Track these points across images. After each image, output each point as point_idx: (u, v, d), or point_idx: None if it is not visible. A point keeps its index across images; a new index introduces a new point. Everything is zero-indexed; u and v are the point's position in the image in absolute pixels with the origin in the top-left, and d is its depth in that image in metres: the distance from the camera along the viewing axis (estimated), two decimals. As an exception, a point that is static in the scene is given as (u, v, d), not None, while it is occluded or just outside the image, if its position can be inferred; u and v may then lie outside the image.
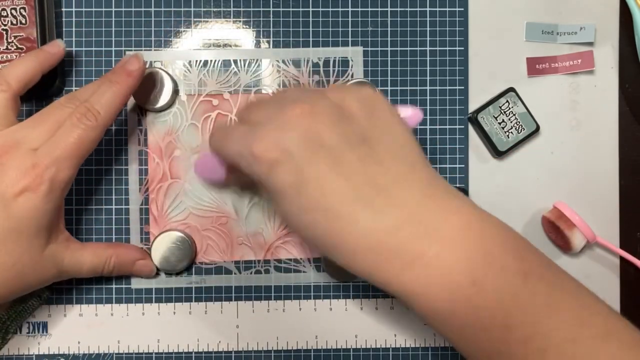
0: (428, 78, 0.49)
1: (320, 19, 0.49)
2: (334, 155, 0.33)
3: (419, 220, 0.33)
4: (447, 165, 0.49)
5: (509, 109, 0.49)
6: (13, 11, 0.46)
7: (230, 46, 0.49)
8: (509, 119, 0.49)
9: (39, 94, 0.48)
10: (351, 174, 0.33)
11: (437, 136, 0.49)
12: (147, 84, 0.47)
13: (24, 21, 0.46)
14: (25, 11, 0.46)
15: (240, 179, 0.46)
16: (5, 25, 0.46)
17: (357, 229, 0.32)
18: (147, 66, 0.48)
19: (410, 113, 0.40)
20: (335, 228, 0.33)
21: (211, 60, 0.49)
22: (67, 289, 0.48)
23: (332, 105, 0.35)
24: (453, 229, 0.33)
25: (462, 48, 0.49)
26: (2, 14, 0.46)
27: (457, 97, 0.49)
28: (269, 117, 0.35)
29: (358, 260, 0.33)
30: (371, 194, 0.33)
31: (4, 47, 0.46)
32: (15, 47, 0.46)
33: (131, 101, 0.48)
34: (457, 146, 0.49)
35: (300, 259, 0.49)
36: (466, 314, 0.32)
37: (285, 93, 0.39)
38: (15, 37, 0.46)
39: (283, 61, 0.49)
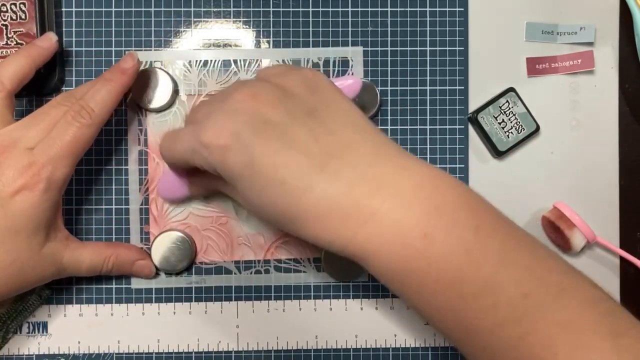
0: (428, 78, 0.49)
1: (320, 19, 0.49)
2: (281, 130, 0.34)
3: (372, 178, 0.33)
4: (447, 165, 0.49)
5: (509, 109, 0.49)
6: (13, 6, 0.46)
7: (230, 46, 0.49)
8: (509, 119, 0.49)
9: (38, 93, 0.48)
10: (302, 145, 0.33)
11: (437, 136, 0.49)
12: (147, 84, 0.47)
13: (23, 16, 0.46)
14: (25, 6, 0.46)
15: (202, 186, 0.45)
16: (5, 20, 0.46)
17: (314, 196, 0.33)
18: (147, 66, 0.48)
19: (350, 82, 0.42)
20: (293, 200, 0.33)
21: (211, 60, 0.49)
22: (67, 289, 0.48)
23: (274, 87, 0.35)
24: (405, 186, 0.33)
25: (462, 48, 0.49)
26: (2, 9, 0.46)
27: (457, 97, 0.49)
28: (214, 109, 0.36)
29: (318, 229, 0.33)
30: (324, 161, 0.33)
31: (4, 43, 0.46)
32: (15, 43, 0.46)
33: (131, 101, 0.48)
34: (457, 146, 0.49)
35: (300, 259, 0.49)
36: (419, 270, 0.32)
37: (227, 88, 0.39)
38: (15, 32, 0.46)
39: (283, 61, 0.49)
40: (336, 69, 0.49)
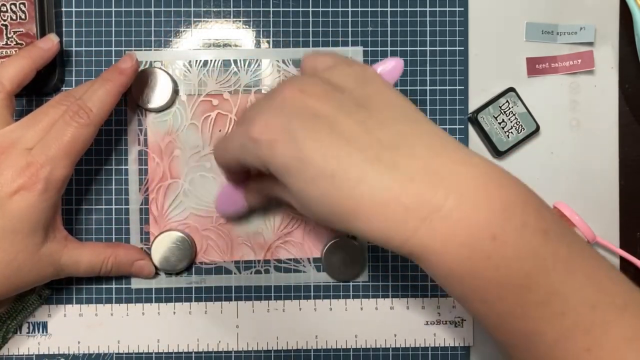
0: (428, 78, 0.49)
1: (320, 19, 0.49)
2: (330, 122, 0.32)
3: (433, 171, 0.30)
4: (447, 165, 0.49)
5: (509, 109, 0.49)
6: (13, 6, 0.46)
7: (230, 46, 0.49)
8: (509, 119, 0.49)
9: (38, 93, 0.48)
10: (353, 137, 0.31)
11: (437, 136, 0.49)
12: (147, 84, 0.47)
13: (23, 16, 0.46)
14: (25, 6, 0.46)
15: (258, 191, 0.43)
16: (4, 20, 0.46)
17: (368, 188, 0.30)
18: (147, 66, 0.48)
19: (393, 64, 0.39)
20: (344, 193, 0.31)
21: (211, 60, 0.49)
22: (67, 289, 0.48)
23: (322, 82, 0.34)
24: (469, 182, 0.31)
25: (462, 48, 0.49)
26: (2, 9, 0.46)
27: (457, 97, 0.49)
28: (263, 106, 0.35)
29: (374, 223, 0.31)
30: (378, 152, 0.31)
31: (4, 43, 0.46)
32: (14, 43, 0.46)
33: (131, 101, 0.48)
34: (457, 146, 0.49)
35: (300, 259, 0.49)
36: (483, 273, 0.30)
37: (275, 86, 0.39)
38: (14, 32, 0.46)
39: (283, 61, 0.49)
40: (336, 69, 0.49)
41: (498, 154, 0.49)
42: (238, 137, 0.36)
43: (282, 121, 0.33)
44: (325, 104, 0.33)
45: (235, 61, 0.49)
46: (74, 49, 0.48)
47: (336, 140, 0.31)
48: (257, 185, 0.43)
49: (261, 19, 0.49)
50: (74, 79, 0.48)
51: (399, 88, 0.49)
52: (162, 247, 0.47)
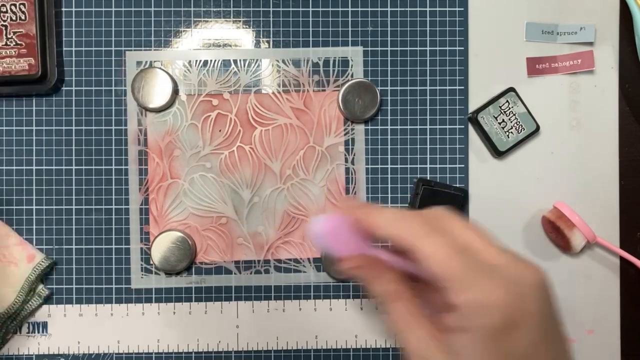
0: (428, 78, 0.49)
1: (320, 19, 0.49)
2: None
3: None
4: (447, 165, 0.49)
5: (509, 109, 0.49)
6: (13, 7, 0.46)
7: (230, 46, 0.49)
8: (509, 119, 0.49)
9: (38, 93, 0.48)
10: None
11: (437, 136, 0.49)
12: (147, 84, 0.47)
13: (23, 17, 0.46)
14: (25, 7, 0.46)
15: (388, 285, 0.34)
16: (4, 21, 0.46)
17: None
18: (147, 66, 0.48)
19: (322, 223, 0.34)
20: None
21: (211, 60, 0.49)
22: (67, 289, 0.48)
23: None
24: None
25: (462, 48, 0.49)
26: (2, 9, 0.46)
27: (457, 97, 0.49)
28: (493, 258, 0.30)
29: None
30: None
31: (3, 43, 0.46)
32: (14, 43, 0.46)
33: (131, 101, 0.48)
34: (457, 146, 0.49)
35: (300, 259, 0.49)
36: None
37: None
38: (14, 33, 0.46)
39: (283, 61, 0.49)
40: (336, 69, 0.49)
41: (498, 154, 0.49)
42: (442, 267, 0.30)
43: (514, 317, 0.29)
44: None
45: (235, 61, 0.49)
46: (74, 49, 0.48)
47: None
48: (401, 264, 0.34)
49: (261, 19, 0.49)
50: (74, 79, 0.48)
51: (399, 88, 0.49)
52: (162, 247, 0.47)
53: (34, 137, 0.48)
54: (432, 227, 0.31)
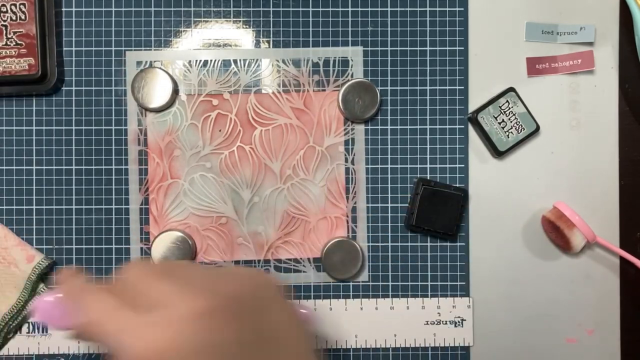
0: (428, 78, 0.49)
1: (320, 19, 0.49)
2: None
3: None
4: (447, 165, 0.49)
5: (509, 109, 0.49)
6: (13, 7, 0.46)
7: (230, 46, 0.49)
8: (509, 119, 0.49)
9: (38, 93, 0.48)
10: None
11: (437, 136, 0.49)
12: (147, 84, 0.47)
13: (23, 17, 0.46)
14: (25, 7, 0.46)
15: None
16: (4, 21, 0.46)
17: None
18: (147, 66, 0.48)
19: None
20: None
21: (211, 60, 0.49)
22: (67, 289, 0.48)
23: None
24: None
25: (462, 48, 0.49)
26: (2, 9, 0.46)
27: (457, 97, 0.49)
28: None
29: None
30: None
31: (3, 43, 0.46)
32: (14, 43, 0.46)
33: (131, 101, 0.48)
34: (457, 146, 0.49)
35: (300, 259, 0.49)
36: None
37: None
38: (14, 33, 0.46)
39: (283, 61, 0.49)
40: (336, 69, 0.49)
41: (498, 154, 0.49)
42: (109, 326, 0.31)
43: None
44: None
45: (235, 61, 0.49)
46: (74, 49, 0.48)
47: None
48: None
49: (261, 19, 0.49)
50: (74, 78, 0.48)
51: (399, 88, 0.49)
52: (162, 247, 0.47)
53: (34, 137, 0.48)
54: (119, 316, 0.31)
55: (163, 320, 0.29)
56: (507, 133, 0.49)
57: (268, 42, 0.49)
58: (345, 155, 0.49)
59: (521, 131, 0.49)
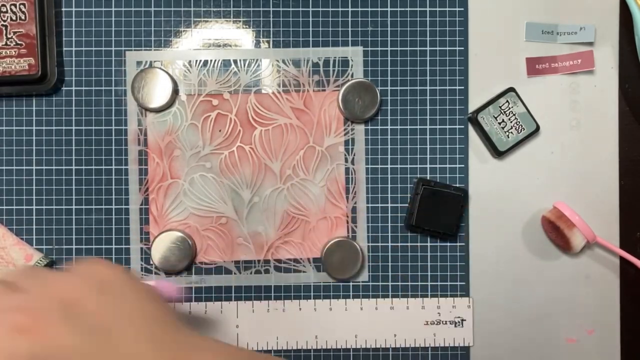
0: (428, 78, 0.49)
1: (320, 19, 0.49)
2: None
3: None
4: (447, 165, 0.49)
5: (509, 109, 0.49)
6: (13, 7, 0.46)
7: (230, 46, 0.49)
8: (509, 119, 0.49)
9: (38, 93, 0.48)
10: None
11: (437, 136, 0.49)
12: (147, 84, 0.47)
13: (23, 17, 0.46)
14: (25, 7, 0.46)
15: None
16: (4, 21, 0.46)
17: None
18: (147, 66, 0.48)
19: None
20: None
21: (211, 60, 0.49)
22: (67, 289, 0.48)
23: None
24: None
25: (462, 48, 0.49)
26: (2, 9, 0.46)
27: (457, 97, 0.49)
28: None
29: None
30: None
31: (3, 43, 0.46)
32: (14, 43, 0.46)
33: (131, 101, 0.48)
34: (457, 146, 0.49)
35: (300, 259, 0.49)
36: None
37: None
38: (14, 33, 0.46)
39: (283, 61, 0.49)
40: (336, 69, 0.49)
41: (498, 154, 0.49)
42: None
43: None
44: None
45: (235, 61, 0.49)
46: (74, 49, 0.48)
47: None
48: None
49: (261, 19, 0.49)
50: (74, 79, 0.48)
51: (399, 88, 0.49)
52: (162, 247, 0.47)
53: (34, 137, 0.48)
54: None
55: None
56: (507, 133, 0.49)
57: (268, 42, 0.49)
58: (345, 155, 0.49)
59: (521, 131, 0.49)
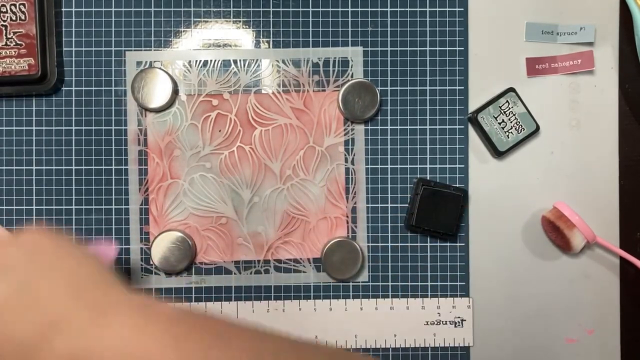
0: (428, 78, 0.49)
1: (320, 19, 0.49)
2: None
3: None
4: (447, 165, 0.49)
5: (509, 109, 0.49)
6: (13, 7, 0.46)
7: (230, 46, 0.49)
8: (509, 119, 0.49)
9: (38, 93, 0.48)
10: None
11: (437, 136, 0.49)
12: (147, 84, 0.47)
13: (23, 17, 0.46)
14: (24, 7, 0.46)
15: None
16: (4, 21, 0.46)
17: None
18: (147, 66, 0.48)
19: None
20: None
21: (211, 60, 0.49)
22: (67, 289, 0.48)
23: None
24: None
25: (462, 48, 0.49)
26: (2, 9, 0.46)
27: (457, 97, 0.49)
28: None
29: None
30: None
31: (3, 43, 0.46)
32: (14, 43, 0.46)
33: (131, 101, 0.48)
34: (457, 146, 0.49)
35: (300, 259, 0.49)
36: None
37: None
38: (14, 33, 0.46)
39: (283, 61, 0.49)
40: (336, 69, 0.49)
41: (498, 154, 0.49)
42: None
43: None
44: None
45: (235, 61, 0.49)
46: (74, 49, 0.48)
47: None
48: None
49: (261, 19, 0.49)
50: (74, 79, 0.48)
51: (399, 88, 0.49)
52: (162, 247, 0.47)
53: (34, 137, 0.48)
54: None
55: None
56: (507, 133, 0.49)
57: (268, 42, 0.49)
58: (345, 155, 0.49)
59: (521, 131, 0.49)
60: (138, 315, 0.31)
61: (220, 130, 0.49)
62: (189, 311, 0.33)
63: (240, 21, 0.49)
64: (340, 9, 0.49)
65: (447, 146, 0.49)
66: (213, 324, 0.32)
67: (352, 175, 0.49)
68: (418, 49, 0.49)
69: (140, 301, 0.33)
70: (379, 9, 0.49)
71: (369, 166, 0.49)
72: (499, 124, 0.49)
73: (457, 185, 0.49)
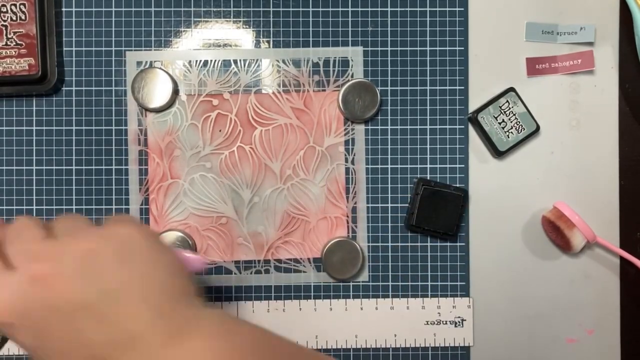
0: (428, 78, 0.49)
1: (320, 19, 0.49)
2: None
3: None
4: (447, 165, 0.49)
5: (509, 109, 0.49)
6: (13, 7, 0.46)
7: (230, 46, 0.49)
8: (509, 119, 0.49)
9: (38, 93, 0.48)
10: None
11: (437, 136, 0.49)
12: (147, 84, 0.47)
13: (23, 17, 0.46)
14: (25, 7, 0.46)
15: None
16: (5, 21, 0.46)
17: None
18: (147, 66, 0.48)
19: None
20: None
21: (211, 60, 0.49)
22: (67, 289, 0.48)
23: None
24: None
25: (462, 48, 0.49)
26: (2, 9, 0.46)
27: (457, 97, 0.49)
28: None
29: None
30: None
31: (3, 43, 0.46)
32: (14, 43, 0.46)
33: (131, 101, 0.48)
34: (457, 146, 0.49)
35: (300, 259, 0.49)
36: None
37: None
38: (14, 33, 0.46)
39: (283, 61, 0.49)
40: (336, 69, 0.49)
41: (498, 154, 0.49)
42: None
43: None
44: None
45: (235, 61, 0.49)
46: (74, 49, 0.48)
47: None
48: None
49: (261, 19, 0.49)
50: (74, 79, 0.48)
51: (399, 88, 0.49)
52: (162, 247, 0.47)
53: (34, 137, 0.48)
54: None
55: (5, 281, 0.31)
56: (507, 133, 0.49)
57: (268, 42, 0.49)
58: (345, 155, 0.49)
59: (521, 131, 0.49)
60: (210, 337, 0.32)
61: (220, 130, 0.49)
62: (263, 331, 0.34)
63: (240, 21, 0.49)
64: (340, 9, 0.49)
65: (447, 146, 0.49)
66: (287, 347, 0.33)
67: (352, 175, 0.49)
68: (418, 49, 0.49)
69: (218, 318, 0.33)
70: (379, 9, 0.49)
71: (369, 166, 0.49)
72: (499, 123, 0.49)
73: (457, 185, 0.49)
